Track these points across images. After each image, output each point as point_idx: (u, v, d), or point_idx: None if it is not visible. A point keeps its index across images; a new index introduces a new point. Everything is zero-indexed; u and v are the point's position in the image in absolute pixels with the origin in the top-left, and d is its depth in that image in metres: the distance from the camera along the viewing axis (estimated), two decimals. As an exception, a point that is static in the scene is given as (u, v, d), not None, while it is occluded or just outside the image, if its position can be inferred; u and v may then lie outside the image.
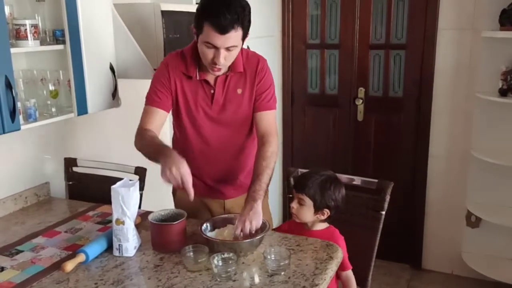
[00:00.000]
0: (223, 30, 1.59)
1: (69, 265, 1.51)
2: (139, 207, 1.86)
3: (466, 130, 3.17)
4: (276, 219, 3.44)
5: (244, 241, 1.59)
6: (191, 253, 1.56)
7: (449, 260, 3.42)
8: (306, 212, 1.75)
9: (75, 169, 2.32)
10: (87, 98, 2.04)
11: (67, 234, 1.84)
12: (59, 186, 2.33)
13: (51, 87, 1.99)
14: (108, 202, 1.64)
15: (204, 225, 1.69)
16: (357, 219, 1.93)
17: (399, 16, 3.28)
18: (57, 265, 1.55)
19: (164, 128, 1.89)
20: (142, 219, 1.85)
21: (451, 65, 3.15)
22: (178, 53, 1.85)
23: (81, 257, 1.56)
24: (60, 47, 1.95)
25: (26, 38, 1.82)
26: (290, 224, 1.85)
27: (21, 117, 1.77)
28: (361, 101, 3.47)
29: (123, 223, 1.59)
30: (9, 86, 1.67)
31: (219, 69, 1.73)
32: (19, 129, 1.74)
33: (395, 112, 3.42)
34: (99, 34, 2.09)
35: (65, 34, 1.93)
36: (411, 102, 3.35)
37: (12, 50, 1.71)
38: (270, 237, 1.72)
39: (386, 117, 3.45)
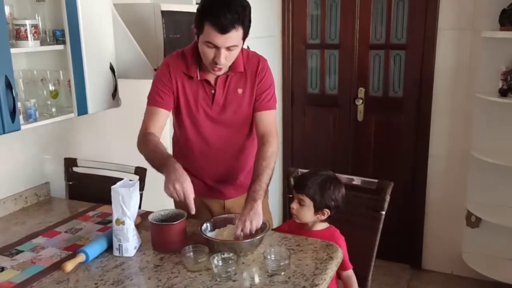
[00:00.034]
0: (224, 29, 1.59)
1: (69, 265, 1.51)
2: (139, 207, 1.86)
3: (466, 130, 3.17)
4: (276, 219, 3.44)
5: (244, 241, 1.59)
6: (191, 253, 1.56)
7: (449, 260, 3.41)
8: (306, 213, 1.75)
9: (75, 169, 2.32)
10: (87, 98, 2.04)
11: (67, 234, 1.84)
12: (59, 186, 2.33)
13: (51, 87, 1.99)
14: (108, 202, 1.64)
15: (204, 225, 1.69)
16: (357, 219, 1.93)
17: (399, 16, 3.28)
18: (57, 265, 1.56)
19: (164, 128, 1.89)
20: (142, 219, 1.85)
21: (451, 65, 3.15)
22: (179, 53, 1.85)
23: (81, 257, 1.56)
24: (60, 47, 1.95)
25: (26, 38, 1.83)
26: (290, 224, 1.85)
27: (21, 117, 1.77)
28: (361, 101, 3.47)
29: (123, 223, 1.59)
30: (9, 86, 1.67)
31: (220, 69, 1.73)
32: (19, 129, 1.75)
33: (395, 112, 3.42)
34: (99, 34, 2.09)
35: (65, 34, 1.93)
36: (411, 102, 3.35)
37: (12, 50, 1.71)
38: (270, 237, 1.73)
39: (386, 117, 3.45)
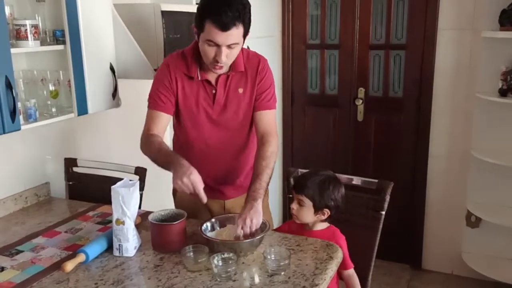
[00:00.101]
0: (225, 27, 1.60)
1: (69, 265, 1.51)
2: (139, 207, 1.86)
3: (466, 130, 3.17)
4: (276, 219, 3.44)
5: (244, 241, 1.59)
6: (191, 253, 1.56)
7: (449, 260, 3.42)
8: (306, 213, 1.75)
9: (75, 169, 2.32)
10: (87, 98, 2.04)
11: (67, 234, 1.84)
12: (59, 186, 2.33)
13: (51, 87, 1.99)
14: (108, 202, 1.64)
15: (204, 225, 1.69)
16: (357, 219, 1.93)
17: (399, 16, 3.28)
18: (57, 265, 1.55)
19: (166, 129, 1.89)
20: (142, 219, 1.85)
21: (451, 65, 3.15)
22: (179, 53, 1.85)
23: (81, 257, 1.56)
24: (60, 47, 1.95)
25: (26, 38, 1.83)
26: (291, 225, 1.85)
27: (21, 117, 1.77)
28: (361, 101, 3.47)
29: (123, 223, 1.59)
30: (9, 86, 1.67)
31: (221, 67, 1.73)
32: (19, 129, 1.75)
33: (395, 112, 3.42)
34: (99, 34, 2.09)
35: (65, 34, 1.93)
36: (411, 102, 3.35)
37: (13, 50, 1.71)
38: (270, 237, 1.73)
39: (386, 117, 3.45)
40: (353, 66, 3.46)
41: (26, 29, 1.82)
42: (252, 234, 1.61)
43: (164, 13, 2.23)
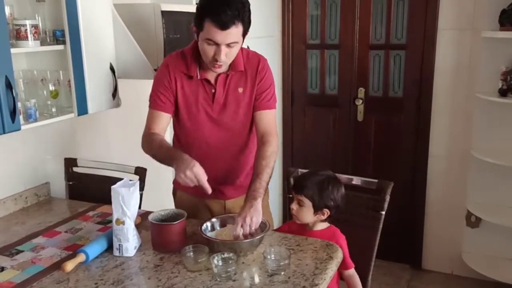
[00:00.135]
0: (224, 26, 1.60)
1: (69, 265, 1.51)
2: (139, 207, 1.86)
3: (466, 130, 3.17)
4: (276, 219, 3.44)
5: (244, 241, 1.59)
6: (191, 253, 1.56)
7: (449, 260, 3.41)
8: (306, 213, 1.75)
9: (75, 169, 2.32)
10: (87, 98, 2.04)
11: (67, 234, 1.84)
12: (59, 186, 2.33)
13: (51, 87, 2.00)
14: (108, 202, 1.64)
15: (204, 225, 1.69)
16: (357, 219, 1.93)
17: (399, 16, 3.28)
18: (57, 265, 1.56)
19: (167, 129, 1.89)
20: (142, 219, 1.85)
21: (451, 65, 3.15)
22: (178, 53, 1.85)
23: (81, 257, 1.56)
24: (60, 47, 1.95)
25: (26, 38, 1.83)
26: (291, 225, 1.85)
27: (21, 117, 1.77)
28: (361, 101, 3.47)
29: (123, 223, 1.60)
30: (9, 86, 1.67)
31: (220, 66, 1.73)
32: (19, 129, 1.75)
33: (395, 112, 3.42)
34: (99, 34, 2.09)
35: (65, 34, 1.93)
36: (411, 102, 3.35)
37: (13, 50, 1.71)
38: (270, 237, 1.73)
39: (386, 117, 3.45)
40: (353, 66, 3.46)
41: (26, 29, 1.82)
42: (252, 234, 1.61)
43: (164, 13, 2.23)
